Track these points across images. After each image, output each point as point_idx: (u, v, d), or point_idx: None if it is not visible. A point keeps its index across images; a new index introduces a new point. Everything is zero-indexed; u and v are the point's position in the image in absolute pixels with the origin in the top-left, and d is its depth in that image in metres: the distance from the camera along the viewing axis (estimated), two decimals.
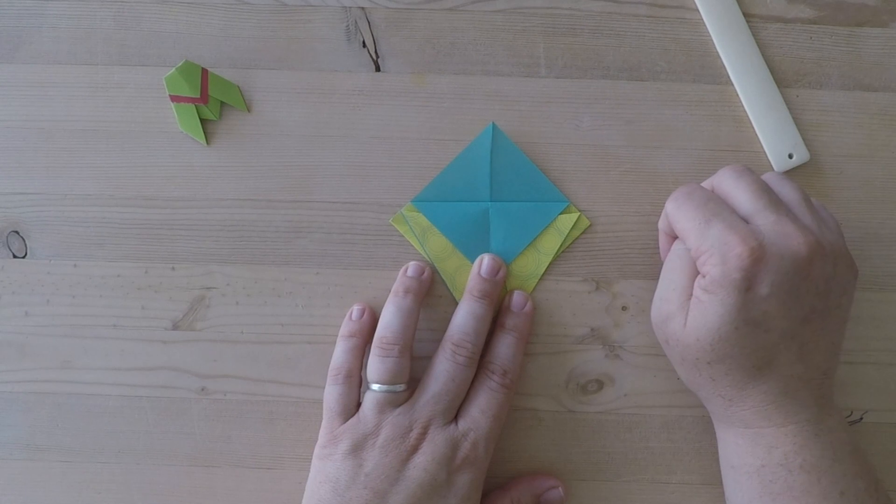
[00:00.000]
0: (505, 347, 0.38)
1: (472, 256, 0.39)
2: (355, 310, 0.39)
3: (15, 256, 0.40)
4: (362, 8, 0.42)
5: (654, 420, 0.39)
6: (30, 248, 0.40)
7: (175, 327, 0.40)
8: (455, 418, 0.36)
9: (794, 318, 0.32)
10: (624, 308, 0.40)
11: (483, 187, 0.40)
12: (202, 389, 0.40)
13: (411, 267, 0.39)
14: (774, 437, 0.33)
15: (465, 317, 0.37)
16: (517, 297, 0.39)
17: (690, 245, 0.33)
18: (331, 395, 0.37)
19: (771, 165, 0.40)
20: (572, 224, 0.40)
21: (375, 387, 0.36)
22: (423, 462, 0.34)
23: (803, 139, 0.41)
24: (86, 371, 0.40)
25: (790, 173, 0.40)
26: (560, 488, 0.38)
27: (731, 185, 0.34)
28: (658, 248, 0.39)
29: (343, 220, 0.40)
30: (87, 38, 0.41)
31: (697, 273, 0.33)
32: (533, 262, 0.40)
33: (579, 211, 0.40)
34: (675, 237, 0.36)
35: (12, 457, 0.39)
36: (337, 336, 0.39)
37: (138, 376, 0.40)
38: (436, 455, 0.34)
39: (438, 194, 0.40)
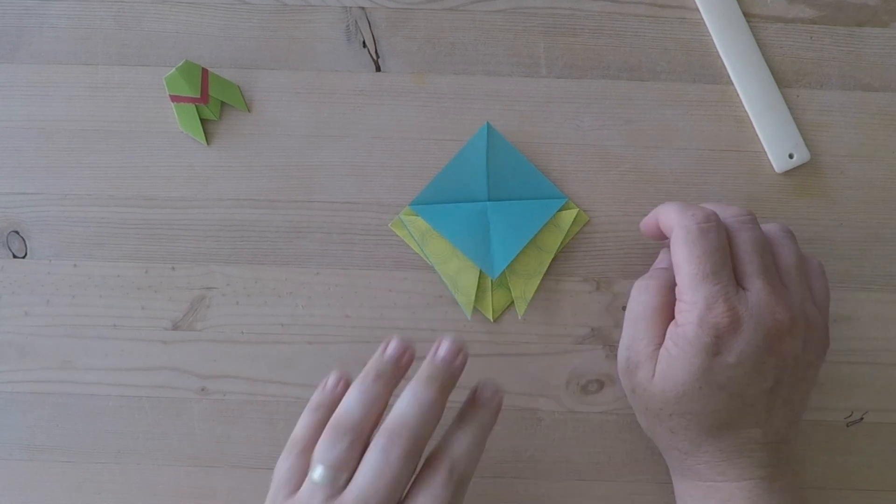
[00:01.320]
0: (458, 440, 0.31)
1: (473, 257, 0.39)
2: (331, 378, 0.35)
3: (15, 256, 0.40)
4: (362, 8, 0.42)
5: None
6: (30, 248, 0.40)
7: (175, 327, 0.40)
8: None
9: (758, 387, 0.32)
10: (624, 308, 0.40)
11: (481, 187, 0.40)
12: (202, 389, 0.40)
13: (391, 346, 0.33)
14: (728, 492, 0.33)
15: (408, 402, 0.31)
16: (484, 388, 0.33)
17: (679, 285, 0.33)
18: (282, 466, 0.33)
19: (771, 165, 0.40)
20: (572, 220, 0.40)
21: (318, 471, 0.31)
22: None
23: (804, 139, 0.41)
24: (86, 371, 0.40)
25: (790, 173, 0.40)
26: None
27: (738, 234, 0.33)
28: (656, 247, 0.39)
29: (343, 220, 0.40)
30: (88, 38, 0.41)
31: (669, 319, 0.33)
32: (535, 260, 0.40)
33: (578, 207, 0.40)
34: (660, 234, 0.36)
35: (12, 457, 0.39)
36: (339, 335, 0.39)
37: (138, 376, 0.40)
38: None
39: (436, 196, 0.40)
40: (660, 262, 0.37)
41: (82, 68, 0.41)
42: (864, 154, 0.41)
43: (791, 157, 0.40)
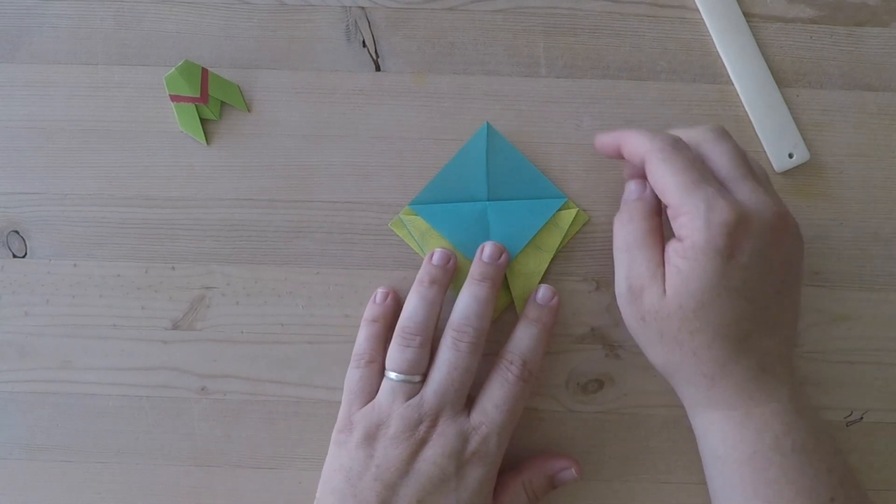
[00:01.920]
0: (527, 339, 0.37)
1: (473, 256, 0.39)
2: (379, 293, 0.39)
3: (15, 256, 0.40)
4: (362, 7, 0.42)
5: (654, 420, 0.39)
6: (30, 247, 0.40)
7: (175, 327, 0.40)
8: (469, 409, 0.36)
9: (769, 289, 0.32)
10: None
11: (480, 187, 0.40)
12: (202, 389, 0.40)
13: (437, 255, 0.38)
14: (762, 419, 0.32)
15: (466, 300, 0.36)
16: (544, 290, 0.38)
17: (671, 202, 0.32)
18: (351, 378, 0.37)
19: (771, 165, 0.40)
20: (571, 220, 0.40)
21: (393, 375, 0.36)
22: (432, 455, 0.34)
23: (803, 139, 0.41)
24: (86, 371, 0.40)
25: (790, 173, 0.40)
26: (573, 469, 0.38)
27: (711, 147, 0.34)
28: None
29: (343, 219, 0.40)
30: (88, 37, 0.41)
31: (661, 243, 0.33)
32: (535, 260, 0.40)
33: (578, 207, 0.40)
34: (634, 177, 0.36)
35: (12, 457, 0.39)
36: (339, 335, 0.39)
37: (138, 376, 0.40)
38: (445, 448, 0.34)
39: (436, 196, 0.40)
40: (629, 194, 0.36)
41: (82, 68, 0.41)
42: (863, 154, 0.41)
43: (791, 156, 0.40)
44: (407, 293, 0.40)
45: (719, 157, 0.33)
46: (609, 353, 0.40)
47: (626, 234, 0.34)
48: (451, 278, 0.38)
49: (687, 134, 0.34)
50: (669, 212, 0.33)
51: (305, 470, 0.39)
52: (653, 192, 0.35)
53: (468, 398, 0.36)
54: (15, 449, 0.39)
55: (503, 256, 0.38)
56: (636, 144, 0.34)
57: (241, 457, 0.39)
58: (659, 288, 0.32)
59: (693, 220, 0.31)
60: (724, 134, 0.34)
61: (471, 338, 0.36)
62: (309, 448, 0.39)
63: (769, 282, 0.32)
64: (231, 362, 0.40)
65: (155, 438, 0.39)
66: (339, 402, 0.38)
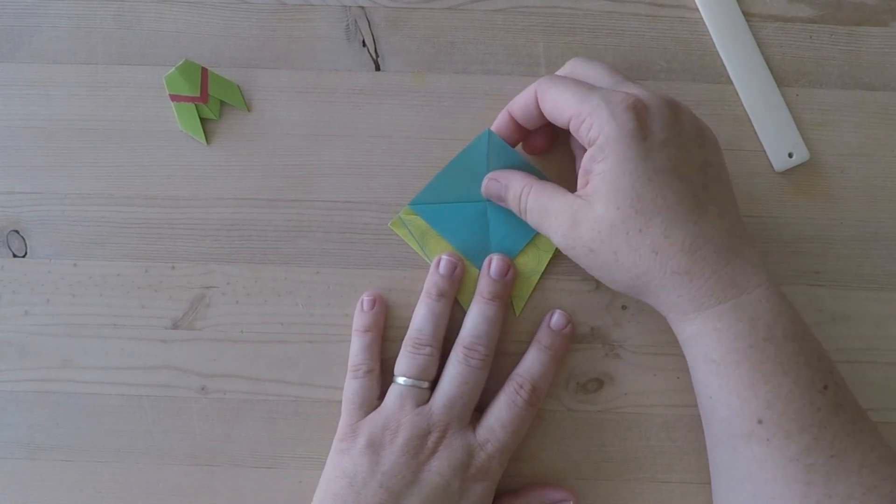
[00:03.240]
0: (538, 364, 0.37)
1: (472, 257, 0.39)
2: (366, 300, 0.39)
3: (15, 256, 0.40)
4: (362, 7, 0.42)
5: (655, 419, 0.39)
6: (30, 247, 0.40)
7: (175, 326, 0.40)
8: (474, 425, 0.36)
9: (695, 165, 0.32)
10: (624, 307, 0.40)
11: (480, 187, 0.40)
12: (202, 389, 0.40)
13: (443, 263, 0.38)
14: (752, 307, 0.31)
15: (476, 319, 0.37)
16: (558, 316, 0.39)
17: (571, 112, 0.32)
18: (350, 388, 0.37)
19: (771, 165, 0.40)
20: None
21: (401, 380, 0.36)
22: (438, 466, 0.34)
23: (803, 138, 0.41)
24: (86, 370, 0.40)
25: (790, 172, 0.41)
26: (571, 502, 0.38)
27: (586, 68, 0.35)
28: None
29: (343, 219, 0.40)
30: (88, 37, 0.41)
31: (560, 188, 0.34)
32: (533, 260, 0.40)
33: None
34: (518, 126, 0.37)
35: (12, 456, 0.39)
36: (339, 334, 0.39)
37: (138, 375, 0.40)
38: (452, 461, 0.35)
39: (436, 196, 0.40)
40: (499, 125, 0.38)
41: (82, 68, 0.41)
42: (863, 153, 0.41)
43: (790, 156, 0.40)
44: (404, 294, 0.40)
45: (596, 73, 0.34)
46: (609, 353, 0.40)
47: (532, 204, 0.35)
48: (458, 287, 0.39)
49: (559, 72, 0.36)
50: (572, 124, 0.33)
51: (305, 470, 0.39)
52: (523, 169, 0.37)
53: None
54: (15, 449, 0.39)
55: (510, 272, 0.39)
56: (522, 96, 0.36)
57: (241, 456, 0.39)
58: (589, 211, 0.32)
59: (598, 116, 0.31)
60: (589, 58, 0.36)
61: (481, 355, 0.36)
62: (309, 448, 0.39)
63: (692, 159, 0.32)
64: (231, 362, 0.40)
65: (155, 438, 0.39)
66: (339, 402, 0.38)
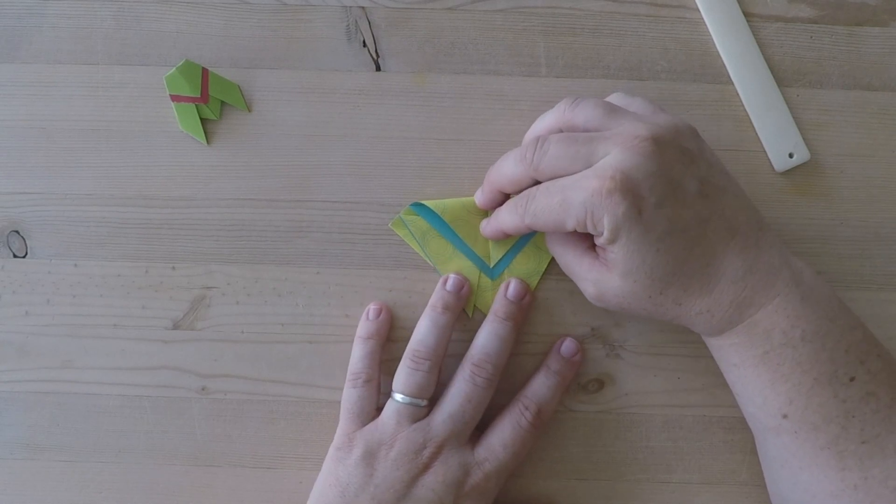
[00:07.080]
0: (546, 389, 0.37)
1: (473, 257, 0.39)
2: (372, 309, 0.39)
3: (15, 256, 0.40)
4: (362, 7, 0.42)
5: (655, 419, 0.39)
6: (30, 247, 0.40)
7: (175, 327, 0.40)
8: (474, 443, 0.36)
9: (692, 200, 0.31)
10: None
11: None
12: (202, 389, 0.40)
13: (451, 280, 0.38)
14: (767, 320, 0.32)
15: (488, 337, 0.37)
16: (569, 343, 0.39)
17: (570, 225, 0.32)
18: (349, 398, 0.37)
19: (771, 165, 0.40)
20: None
21: (399, 397, 0.36)
22: (432, 482, 0.34)
23: (803, 138, 0.41)
24: (86, 371, 0.40)
25: (790, 172, 0.40)
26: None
27: (574, 113, 0.34)
28: None
29: (343, 219, 0.40)
30: (88, 37, 0.41)
31: (582, 240, 0.34)
32: (534, 260, 0.40)
33: None
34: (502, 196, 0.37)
35: (12, 456, 0.39)
36: (339, 334, 0.39)
37: (139, 376, 0.40)
38: (446, 477, 0.34)
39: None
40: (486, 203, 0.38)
41: (82, 68, 0.41)
42: (863, 153, 0.41)
43: (791, 156, 0.40)
44: (404, 294, 0.40)
45: (580, 114, 0.34)
46: (609, 353, 0.40)
47: (561, 257, 0.35)
48: (463, 305, 0.39)
49: (552, 117, 0.35)
50: (578, 230, 0.32)
51: (305, 470, 0.39)
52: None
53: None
54: (15, 449, 0.39)
55: (527, 297, 0.39)
56: (510, 176, 0.35)
57: (242, 457, 0.39)
58: (611, 281, 0.33)
59: (590, 216, 0.31)
60: (579, 100, 0.34)
61: (489, 374, 0.36)
62: (309, 448, 0.39)
63: (688, 197, 0.31)
64: (231, 362, 0.40)
65: (155, 438, 0.39)
66: (339, 402, 0.38)
